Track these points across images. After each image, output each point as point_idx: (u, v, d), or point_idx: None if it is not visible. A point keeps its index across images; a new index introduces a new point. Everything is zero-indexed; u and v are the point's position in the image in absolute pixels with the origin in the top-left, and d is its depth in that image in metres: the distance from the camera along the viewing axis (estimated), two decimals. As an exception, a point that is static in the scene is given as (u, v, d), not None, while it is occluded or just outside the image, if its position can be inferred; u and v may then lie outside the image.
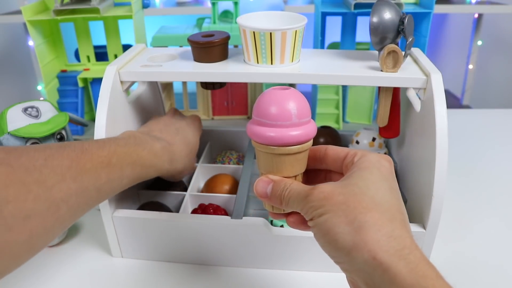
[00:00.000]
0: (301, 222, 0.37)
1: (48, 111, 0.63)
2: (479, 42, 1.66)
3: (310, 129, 0.36)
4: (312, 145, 0.38)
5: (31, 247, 0.36)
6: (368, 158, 0.34)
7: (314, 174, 0.40)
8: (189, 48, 0.59)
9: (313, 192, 0.32)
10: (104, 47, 0.95)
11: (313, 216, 0.32)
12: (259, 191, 0.37)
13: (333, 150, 0.37)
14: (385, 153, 0.72)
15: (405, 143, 0.63)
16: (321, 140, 0.73)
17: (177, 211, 0.60)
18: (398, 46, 0.52)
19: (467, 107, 1.73)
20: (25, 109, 0.61)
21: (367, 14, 0.79)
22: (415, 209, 0.57)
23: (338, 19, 0.91)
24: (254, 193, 0.38)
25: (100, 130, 0.52)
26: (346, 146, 0.76)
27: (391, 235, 0.29)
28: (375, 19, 0.51)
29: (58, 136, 0.63)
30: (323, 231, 0.31)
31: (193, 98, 1.04)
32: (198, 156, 0.76)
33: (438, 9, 1.42)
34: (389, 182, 0.33)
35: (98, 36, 0.99)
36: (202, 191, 0.68)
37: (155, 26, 1.03)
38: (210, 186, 0.66)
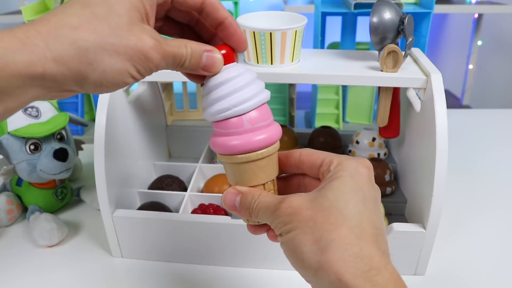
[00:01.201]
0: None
1: (48, 111, 0.63)
2: (479, 42, 1.66)
3: (270, 133, 0.34)
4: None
5: None
6: (344, 166, 0.31)
7: (290, 178, 0.37)
8: (189, 48, 0.59)
9: (281, 206, 0.30)
10: (104, 47, 0.95)
11: (281, 232, 0.30)
12: (227, 204, 0.35)
13: (308, 157, 0.34)
14: (385, 153, 0.72)
15: (405, 143, 0.63)
16: (321, 140, 0.73)
17: (177, 211, 0.60)
18: (398, 46, 0.52)
19: (467, 107, 1.73)
20: (25, 109, 0.61)
21: (367, 14, 0.78)
22: (415, 209, 0.57)
23: (338, 19, 0.91)
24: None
25: (100, 130, 0.52)
26: (346, 146, 0.76)
27: (358, 255, 0.27)
28: (375, 19, 0.51)
29: (58, 136, 0.63)
30: (291, 248, 0.30)
31: (193, 98, 1.04)
32: (198, 156, 0.76)
33: (438, 9, 1.41)
34: (362, 191, 0.30)
35: (98, 36, 0.99)
36: (202, 191, 0.68)
37: (155, 26, 1.03)
38: (210, 186, 0.66)
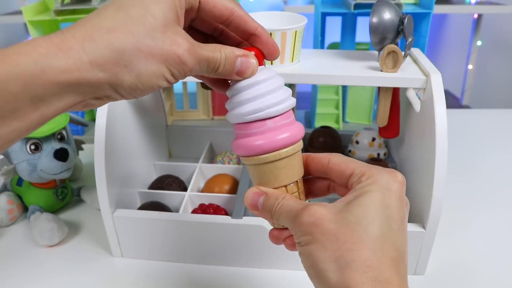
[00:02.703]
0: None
1: (48, 111, 0.63)
2: (479, 42, 1.66)
3: (291, 132, 0.33)
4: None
5: None
6: (375, 180, 0.30)
7: (320, 180, 0.36)
8: (189, 48, 0.59)
9: (303, 213, 0.29)
10: (104, 47, 0.95)
11: (300, 242, 0.29)
12: (250, 203, 0.34)
13: (337, 166, 0.33)
14: (384, 153, 0.72)
15: (405, 143, 0.64)
16: (321, 140, 0.73)
17: (177, 211, 0.61)
18: (398, 46, 0.52)
19: (467, 107, 1.73)
20: (26, 109, 0.61)
21: (367, 14, 0.79)
22: (415, 209, 0.57)
23: (338, 19, 0.91)
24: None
25: (100, 130, 0.52)
26: (346, 146, 0.76)
27: (377, 278, 0.27)
28: (375, 19, 0.51)
29: (59, 136, 0.64)
30: (309, 262, 0.29)
31: (193, 98, 1.04)
32: (198, 156, 0.76)
33: (438, 9, 1.41)
34: (390, 210, 0.29)
35: (98, 36, 0.99)
36: (202, 191, 0.68)
37: (155, 26, 1.03)
38: (210, 186, 0.66)
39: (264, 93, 0.32)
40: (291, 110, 0.34)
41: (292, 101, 0.34)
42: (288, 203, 0.32)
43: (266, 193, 0.33)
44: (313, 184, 0.36)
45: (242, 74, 0.32)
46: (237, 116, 0.33)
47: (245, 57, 0.32)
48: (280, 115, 0.33)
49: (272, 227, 0.35)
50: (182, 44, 0.28)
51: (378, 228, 0.28)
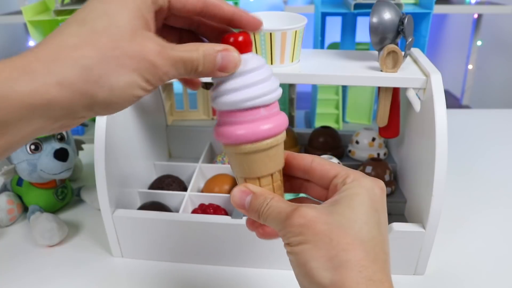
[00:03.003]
0: (275, 234, 0.34)
1: (48, 111, 0.63)
2: (479, 42, 1.66)
3: (280, 121, 0.33)
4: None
5: None
6: (361, 183, 0.30)
7: (293, 178, 0.36)
8: (189, 48, 0.59)
9: (293, 215, 0.29)
10: (104, 47, 0.95)
11: (290, 242, 0.29)
12: (237, 202, 0.33)
13: (321, 166, 0.33)
14: (384, 153, 0.72)
15: (405, 143, 0.64)
16: (321, 140, 0.73)
17: (177, 211, 0.61)
18: (398, 46, 0.52)
19: (467, 107, 1.73)
20: (26, 109, 0.61)
21: (367, 14, 0.79)
22: (415, 209, 0.57)
23: (338, 19, 0.91)
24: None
25: (100, 130, 0.52)
26: (346, 146, 0.76)
27: (372, 278, 0.27)
28: (375, 20, 0.51)
29: (59, 136, 0.64)
30: (299, 261, 0.29)
31: (193, 98, 1.04)
32: (198, 156, 0.76)
33: (438, 9, 1.42)
34: (378, 214, 0.30)
35: (98, 36, 0.99)
36: (202, 191, 0.68)
37: (155, 26, 1.03)
38: (210, 186, 0.66)
39: (261, 80, 0.32)
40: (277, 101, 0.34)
41: (281, 90, 0.34)
42: (277, 205, 0.31)
43: (254, 193, 0.33)
44: (286, 181, 0.36)
45: (224, 70, 0.30)
46: (230, 103, 0.32)
47: (225, 51, 0.30)
48: (270, 104, 0.33)
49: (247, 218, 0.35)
50: (152, 48, 0.27)
51: (369, 231, 0.28)
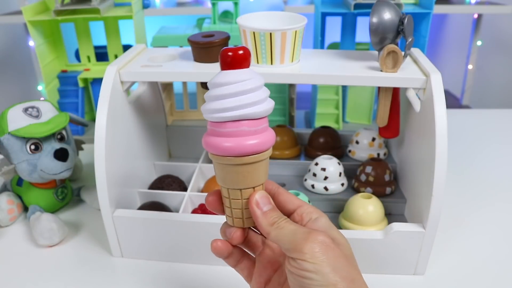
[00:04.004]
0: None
1: (48, 111, 0.63)
2: (479, 43, 1.66)
3: (268, 137, 0.35)
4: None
5: None
6: (327, 221, 0.36)
7: None
8: (189, 48, 0.59)
9: (317, 234, 0.33)
10: (104, 47, 0.95)
11: (310, 259, 0.32)
12: (258, 202, 0.36)
13: (284, 197, 0.38)
14: (384, 153, 0.72)
15: (405, 143, 0.64)
16: (321, 140, 0.73)
17: (177, 211, 0.61)
18: (397, 46, 0.52)
19: (467, 107, 1.73)
20: (26, 109, 0.61)
21: (367, 14, 0.79)
22: (415, 209, 0.57)
23: (338, 19, 0.91)
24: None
25: (101, 130, 0.52)
26: (346, 146, 0.76)
27: None
28: (375, 20, 0.51)
29: (59, 136, 0.64)
30: (319, 276, 0.31)
31: (193, 98, 1.04)
32: (198, 156, 0.76)
33: (438, 9, 1.42)
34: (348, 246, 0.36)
35: (99, 36, 0.99)
36: (202, 191, 0.68)
37: (155, 26, 1.03)
38: (210, 186, 0.66)
39: (256, 101, 0.33)
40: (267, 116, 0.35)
41: (272, 105, 0.35)
42: (292, 224, 0.35)
43: (273, 205, 0.36)
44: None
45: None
46: (221, 117, 0.33)
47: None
48: (258, 119, 0.34)
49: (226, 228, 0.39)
50: None
51: (354, 259, 0.35)
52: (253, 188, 0.36)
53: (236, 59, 0.33)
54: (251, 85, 0.33)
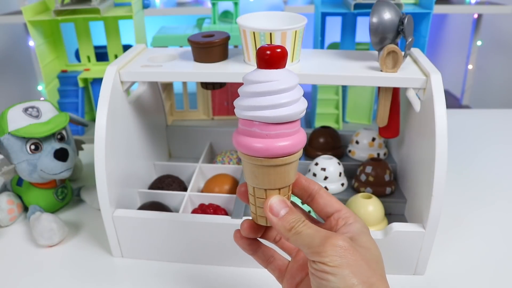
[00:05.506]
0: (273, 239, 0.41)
1: (48, 111, 0.63)
2: (479, 42, 1.66)
3: (301, 137, 0.34)
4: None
5: None
6: (361, 225, 0.36)
7: None
8: (189, 48, 0.59)
9: (337, 237, 0.32)
10: (104, 47, 0.95)
11: (329, 262, 0.32)
12: (274, 209, 0.35)
13: (327, 197, 0.38)
14: (384, 153, 0.72)
15: (405, 143, 0.64)
16: (321, 140, 0.73)
17: (177, 211, 0.61)
18: (397, 46, 0.52)
19: (467, 107, 1.73)
20: (26, 109, 0.61)
21: (367, 14, 0.79)
22: (415, 209, 0.57)
23: (338, 19, 0.91)
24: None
25: (101, 130, 0.52)
26: (346, 146, 0.76)
27: None
28: (374, 20, 0.51)
29: (59, 136, 0.64)
30: (339, 279, 0.32)
31: (193, 98, 1.04)
32: (198, 156, 0.76)
33: (438, 9, 1.42)
34: (379, 249, 0.36)
35: (99, 36, 0.99)
36: (202, 191, 0.68)
37: (155, 26, 1.03)
38: (210, 186, 0.66)
39: (286, 102, 0.32)
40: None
41: (304, 108, 0.35)
42: (310, 231, 0.34)
43: (290, 208, 0.36)
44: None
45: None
46: (259, 117, 0.33)
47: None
48: (293, 122, 0.33)
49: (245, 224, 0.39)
50: None
51: (380, 265, 0.35)
52: (279, 189, 0.36)
53: (274, 58, 0.32)
54: (291, 97, 0.33)
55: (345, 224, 0.36)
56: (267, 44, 0.33)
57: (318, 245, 0.32)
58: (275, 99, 0.32)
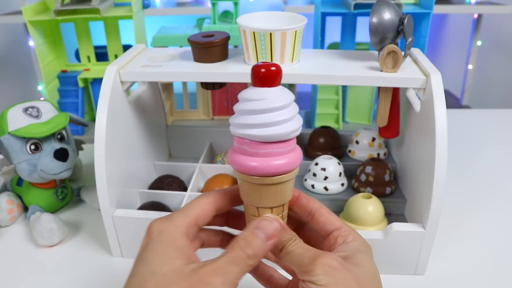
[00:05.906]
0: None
1: (48, 111, 0.63)
2: (479, 42, 1.66)
3: (294, 157, 0.34)
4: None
5: None
6: (361, 243, 0.35)
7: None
8: (189, 48, 0.59)
9: (325, 256, 0.32)
10: (104, 47, 0.95)
11: (317, 281, 0.32)
12: (271, 232, 0.33)
13: (328, 214, 0.38)
14: (384, 153, 0.72)
15: (405, 143, 0.64)
16: (321, 140, 0.73)
17: (177, 211, 0.61)
18: (397, 46, 0.52)
19: (467, 107, 1.73)
20: (26, 109, 0.61)
21: (367, 14, 0.79)
22: (415, 209, 0.57)
23: (338, 19, 0.91)
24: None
25: (100, 130, 0.52)
26: (346, 146, 0.76)
27: None
28: (374, 20, 0.51)
29: (59, 136, 0.64)
30: None
31: (193, 98, 1.04)
32: (198, 156, 0.76)
33: (438, 9, 1.42)
34: (376, 269, 0.35)
35: (99, 36, 0.99)
36: (202, 191, 0.68)
37: (155, 26, 1.03)
38: (210, 186, 0.66)
39: (281, 121, 0.32)
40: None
41: (300, 127, 0.34)
42: (301, 246, 0.34)
43: (282, 226, 0.35)
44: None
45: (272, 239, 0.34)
46: (251, 136, 0.32)
47: (263, 231, 0.33)
48: (283, 141, 0.33)
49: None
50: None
51: (375, 283, 0.34)
52: (271, 208, 0.35)
53: (268, 76, 0.32)
54: (287, 115, 0.32)
55: (344, 242, 0.35)
56: (262, 62, 0.33)
57: (307, 264, 0.32)
58: (265, 118, 0.32)
